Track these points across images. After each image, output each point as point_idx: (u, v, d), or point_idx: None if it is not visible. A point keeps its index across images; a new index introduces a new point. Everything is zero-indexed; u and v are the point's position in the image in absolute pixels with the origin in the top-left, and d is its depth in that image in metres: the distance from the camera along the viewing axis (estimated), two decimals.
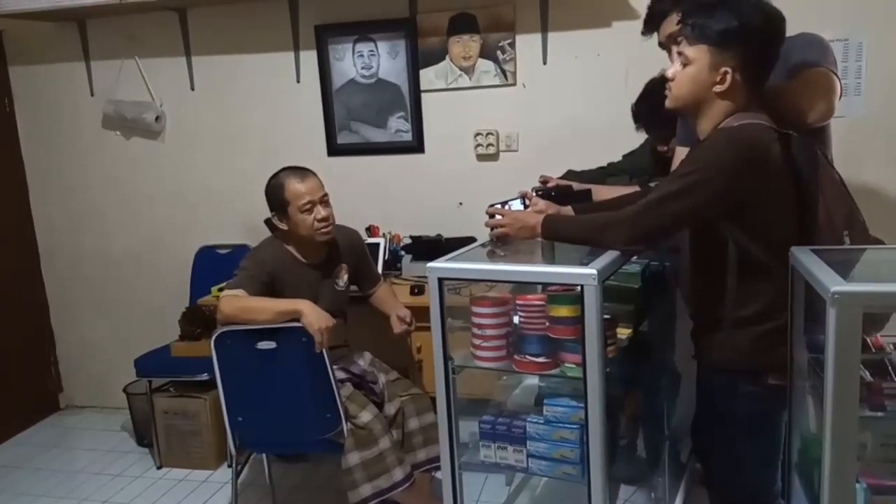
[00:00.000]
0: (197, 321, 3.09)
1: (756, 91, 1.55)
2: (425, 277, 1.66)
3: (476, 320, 1.66)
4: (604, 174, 2.54)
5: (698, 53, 1.53)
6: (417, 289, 2.77)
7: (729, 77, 1.51)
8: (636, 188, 2.10)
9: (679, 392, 2.31)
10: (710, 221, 1.56)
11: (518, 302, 1.66)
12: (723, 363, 1.60)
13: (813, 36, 1.83)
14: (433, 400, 1.82)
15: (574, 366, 1.55)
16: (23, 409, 3.61)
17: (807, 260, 1.42)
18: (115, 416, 3.55)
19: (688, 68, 1.55)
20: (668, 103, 1.63)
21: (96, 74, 3.44)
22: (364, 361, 2.50)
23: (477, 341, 1.67)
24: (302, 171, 2.36)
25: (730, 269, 1.55)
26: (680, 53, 1.57)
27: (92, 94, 3.46)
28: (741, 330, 1.56)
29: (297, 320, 2.14)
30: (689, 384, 2.13)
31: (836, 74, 1.71)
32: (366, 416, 2.25)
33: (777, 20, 1.53)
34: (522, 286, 1.74)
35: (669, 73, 1.60)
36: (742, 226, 1.52)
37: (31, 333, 3.69)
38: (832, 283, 1.23)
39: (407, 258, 3.02)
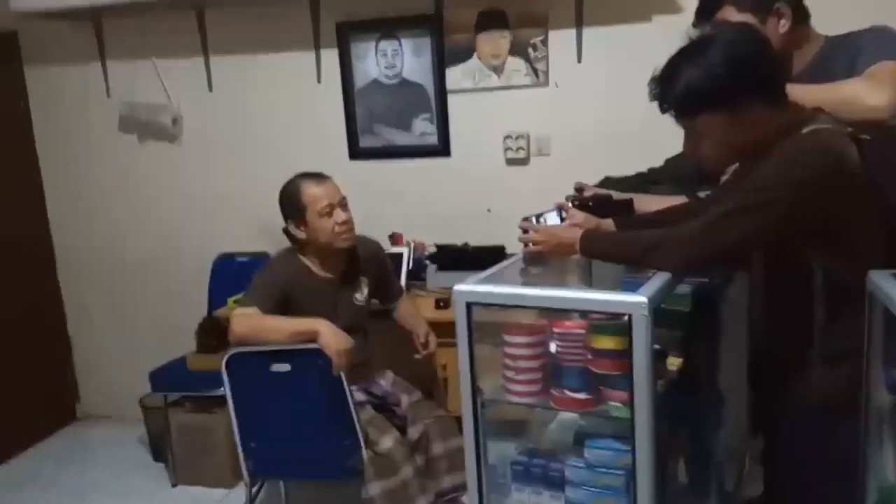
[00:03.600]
0: (214, 333, 2.95)
1: (785, 97, 1.36)
2: (451, 289, 1.49)
3: (508, 350, 1.49)
4: (645, 181, 2.35)
5: (704, 124, 1.34)
6: (443, 302, 2.61)
7: (753, 113, 1.32)
8: (683, 198, 1.92)
9: (723, 417, 2.14)
10: (783, 242, 1.38)
11: (555, 329, 1.49)
12: (819, 400, 1.41)
13: (885, 30, 1.64)
14: (458, 421, 1.66)
15: (620, 404, 1.38)
16: (41, 419, 3.52)
17: (889, 286, 1.23)
18: (132, 428, 3.41)
19: (704, 141, 1.37)
20: (709, 169, 1.48)
21: (112, 75, 3.34)
22: (386, 382, 2.36)
23: (509, 373, 1.49)
24: (317, 175, 2.26)
25: (816, 295, 1.36)
26: (687, 129, 1.39)
27: (108, 95, 3.36)
28: (838, 366, 1.38)
29: (314, 341, 2.01)
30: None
31: None
32: (387, 441, 2.11)
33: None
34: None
35: (687, 150, 1.42)
36: (826, 246, 1.34)
37: (49, 341, 3.59)
38: None
39: (432, 268, 2.85)
